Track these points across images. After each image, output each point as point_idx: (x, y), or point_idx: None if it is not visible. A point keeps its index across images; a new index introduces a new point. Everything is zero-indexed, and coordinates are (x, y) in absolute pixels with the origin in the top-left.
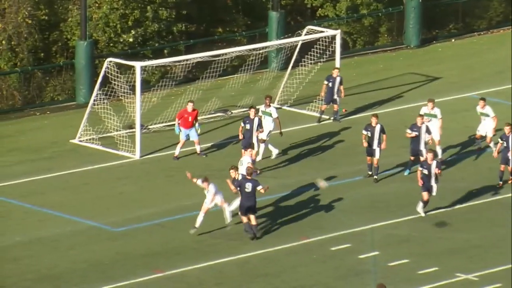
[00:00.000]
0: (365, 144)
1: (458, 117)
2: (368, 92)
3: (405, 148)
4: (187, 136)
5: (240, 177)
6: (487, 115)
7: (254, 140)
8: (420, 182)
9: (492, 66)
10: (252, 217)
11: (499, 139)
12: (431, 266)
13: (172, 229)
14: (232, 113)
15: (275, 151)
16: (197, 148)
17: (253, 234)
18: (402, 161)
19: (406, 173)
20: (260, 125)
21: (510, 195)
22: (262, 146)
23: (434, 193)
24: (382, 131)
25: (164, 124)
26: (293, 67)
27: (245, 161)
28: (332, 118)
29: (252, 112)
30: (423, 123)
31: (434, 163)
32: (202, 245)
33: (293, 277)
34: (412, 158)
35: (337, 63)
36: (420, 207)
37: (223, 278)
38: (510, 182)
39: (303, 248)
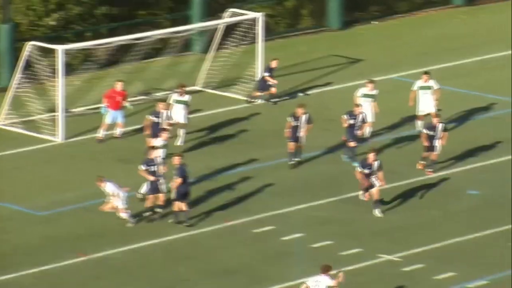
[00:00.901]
0: (288, 134)
1: (381, 98)
2: (291, 75)
3: (328, 130)
4: (114, 119)
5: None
6: (429, 88)
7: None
8: (362, 183)
9: (415, 48)
10: (184, 204)
11: (424, 130)
12: (354, 247)
13: (97, 212)
14: (153, 96)
15: (181, 139)
16: (119, 131)
17: (181, 221)
18: (326, 144)
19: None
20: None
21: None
22: (183, 131)
23: (376, 187)
24: (309, 121)
25: (87, 107)
26: (216, 50)
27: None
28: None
29: (161, 105)
30: (361, 113)
31: (376, 163)
32: (126, 228)
33: (218, 259)
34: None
35: (260, 46)
36: (376, 211)
37: (147, 261)
38: (420, 167)
39: (227, 231)
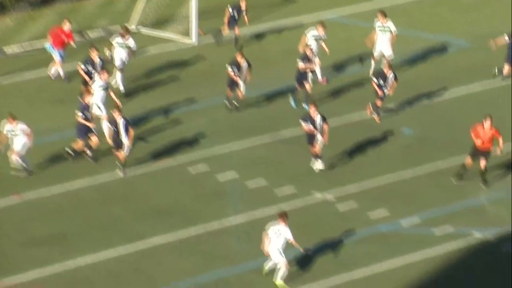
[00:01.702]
0: (229, 83)
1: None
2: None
3: (265, 70)
4: (60, 56)
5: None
6: (389, 30)
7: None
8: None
9: None
10: (123, 153)
11: (374, 78)
12: (289, 187)
13: (31, 153)
14: (88, 35)
15: (120, 84)
16: (53, 70)
17: (119, 167)
18: (262, 84)
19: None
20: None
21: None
22: (119, 75)
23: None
24: (249, 67)
25: (22, 49)
26: None
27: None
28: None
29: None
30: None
31: (319, 117)
32: (59, 169)
33: (152, 200)
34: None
35: None
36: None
37: (81, 202)
38: (369, 112)
39: (161, 171)
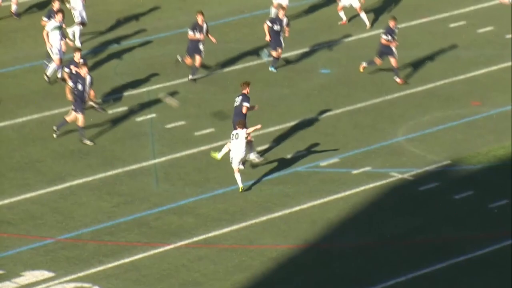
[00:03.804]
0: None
1: None
2: None
3: (180, 10)
4: None
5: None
6: None
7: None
8: (268, 37)
9: None
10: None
11: (384, 35)
12: (208, 127)
13: None
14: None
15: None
16: (14, 7)
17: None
18: (177, 24)
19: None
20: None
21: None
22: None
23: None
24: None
25: None
26: None
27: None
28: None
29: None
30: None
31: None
32: None
33: (70, 140)
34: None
35: None
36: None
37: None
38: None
39: None
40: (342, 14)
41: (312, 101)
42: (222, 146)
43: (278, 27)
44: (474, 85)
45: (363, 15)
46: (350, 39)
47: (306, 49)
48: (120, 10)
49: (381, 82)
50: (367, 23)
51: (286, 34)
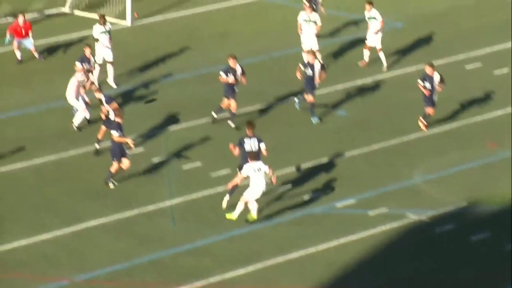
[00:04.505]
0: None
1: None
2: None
3: (195, 50)
4: (20, 43)
5: None
6: (374, 18)
7: None
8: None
9: None
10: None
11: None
12: (224, 169)
13: None
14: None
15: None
16: (36, 54)
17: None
18: (194, 64)
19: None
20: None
21: None
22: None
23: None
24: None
25: None
26: None
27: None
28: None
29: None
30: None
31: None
32: None
33: (87, 181)
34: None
35: None
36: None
37: (15, 184)
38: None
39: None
40: (366, 53)
41: (328, 143)
42: (237, 188)
43: (311, 72)
44: (490, 126)
45: (381, 55)
46: (367, 81)
47: (321, 91)
48: (137, 52)
49: (398, 123)
50: (385, 63)
51: (318, 81)
